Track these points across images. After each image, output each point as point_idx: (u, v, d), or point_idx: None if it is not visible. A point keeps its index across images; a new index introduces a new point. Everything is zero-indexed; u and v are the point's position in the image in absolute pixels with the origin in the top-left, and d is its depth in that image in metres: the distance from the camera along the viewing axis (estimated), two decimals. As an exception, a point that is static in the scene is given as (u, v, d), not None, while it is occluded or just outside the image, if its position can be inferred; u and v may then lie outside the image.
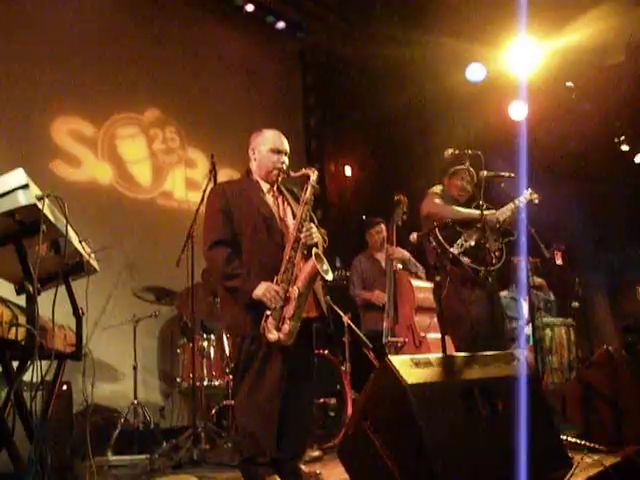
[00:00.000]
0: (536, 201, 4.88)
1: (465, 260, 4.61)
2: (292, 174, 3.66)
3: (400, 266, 5.53)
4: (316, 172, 3.61)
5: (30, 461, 2.39)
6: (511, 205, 4.81)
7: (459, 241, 4.66)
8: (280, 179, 3.68)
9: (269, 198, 3.64)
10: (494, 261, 4.51)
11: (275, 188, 3.71)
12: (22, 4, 5.91)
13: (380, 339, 5.25)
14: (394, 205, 5.54)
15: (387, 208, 5.68)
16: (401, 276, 5.44)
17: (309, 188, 3.55)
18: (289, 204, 3.71)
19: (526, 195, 4.85)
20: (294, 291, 3.34)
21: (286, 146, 3.69)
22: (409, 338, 5.19)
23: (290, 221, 3.61)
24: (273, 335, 3.29)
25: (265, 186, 3.67)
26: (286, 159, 3.66)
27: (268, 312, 3.31)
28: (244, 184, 3.68)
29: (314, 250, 3.41)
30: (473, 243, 4.64)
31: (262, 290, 3.31)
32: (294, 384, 3.47)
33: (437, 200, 4.90)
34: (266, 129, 3.75)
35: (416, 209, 5.10)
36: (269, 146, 3.65)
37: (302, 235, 3.44)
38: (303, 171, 3.62)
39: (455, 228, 4.69)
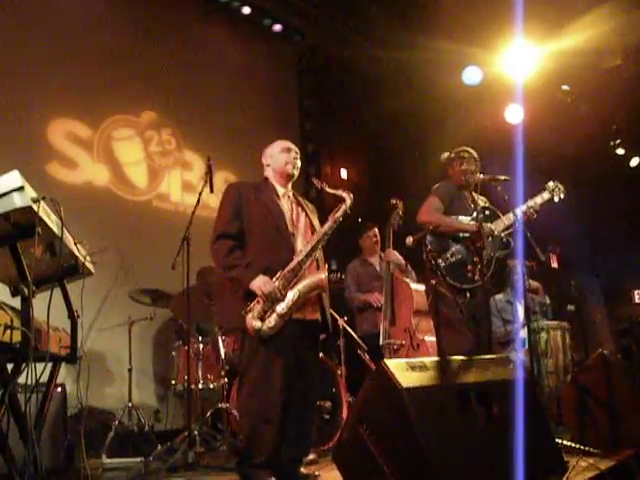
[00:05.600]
0: (561, 196, 4.73)
1: (447, 279, 4.48)
2: (327, 189, 3.82)
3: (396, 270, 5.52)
4: (352, 197, 3.76)
5: (24, 463, 2.39)
6: (510, 215, 4.61)
7: (447, 254, 4.55)
8: (296, 172, 3.80)
9: (283, 201, 3.74)
10: (476, 277, 4.41)
11: (291, 194, 3.82)
12: (18, 7, 5.89)
13: (375, 342, 5.25)
14: (390, 209, 5.54)
15: (383, 211, 5.68)
16: (399, 280, 5.44)
17: (341, 209, 3.71)
18: (304, 211, 3.82)
19: (545, 194, 4.69)
20: (296, 294, 3.40)
21: (295, 147, 3.87)
22: (406, 341, 5.20)
23: (302, 225, 3.73)
24: (256, 323, 3.34)
25: (281, 190, 3.78)
26: (297, 156, 3.82)
27: (258, 300, 3.37)
28: (260, 186, 3.79)
29: (326, 266, 3.60)
30: (460, 257, 4.52)
31: (259, 283, 3.37)
32: (297, 389, 3.49)
33: (436, 204, 4.78)
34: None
35: (413, 213, 5.05)
36: (279, 148, 3.83)
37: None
38: (340, 192, 3.79)
39: (447, 237, 4.61)
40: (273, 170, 3.81)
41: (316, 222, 3.82)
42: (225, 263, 3.48)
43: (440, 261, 4.46)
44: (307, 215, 3.81)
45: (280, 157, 3.79)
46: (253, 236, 3.57)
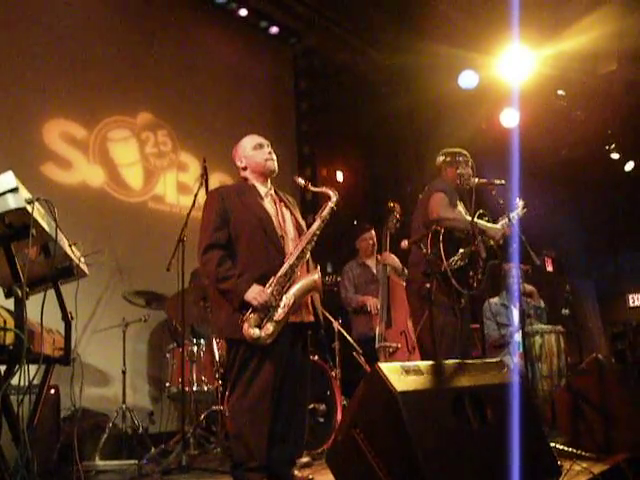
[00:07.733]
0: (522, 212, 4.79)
1: (453, 282, 4.43)
2: (311, 188, 3.80)
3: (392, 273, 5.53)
4: (337, 194, 3.69)
5: (17, 466, 2.38)
6: (505, 221, 4.64)
7: (455, 257, 4.49)
8: (276, 167, 3.73)
9: (267, 202, 3.67)
10: (476, 284, 4.39)
11: (273, 192, 3.75)
12: (14, 7, 5.87)
13: (371, 345, 5.25)
14: (387, 212, 5.54)
15: (379, 214, 5.69)
16: (396, 282, 5.44)
17: (328, 207, 3.64)
18: (288, 208, 3.76)
19: (520, 210, 4.74)
20: (291, 298, 3.38)
21: (264, 140, 3.79)
22: (402, 343, 5.20)
23: (289, 226, 3.67)
24: (254, 331, 3.30)
25: (262, 189, 3.71)
26: (271, 149, 3.75)
27: (254, 309, 3.34)
28: (242, 188, 3.71)
29: (318, 267, 3.55)
30: (466, 261, 4.48)
31: (253, 294, 3.33)
32: (287, 390, 3.49)
33: (446, 200, 4.58)
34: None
35: (410, 216, 5.01)
36: (250, 146, 3.75)
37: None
38: (324, 190, 3.74)
39: (455, 242, 4.54)
40: (252, 171, 3.73)
41: (299, 217, 3.78)
42: (217, 275, 3.40)
43: (447, 264, 4.43)
44: (292, 213, 3.75)
45: (255, 155, 3.71)
46: (242, 243, 3.51)
